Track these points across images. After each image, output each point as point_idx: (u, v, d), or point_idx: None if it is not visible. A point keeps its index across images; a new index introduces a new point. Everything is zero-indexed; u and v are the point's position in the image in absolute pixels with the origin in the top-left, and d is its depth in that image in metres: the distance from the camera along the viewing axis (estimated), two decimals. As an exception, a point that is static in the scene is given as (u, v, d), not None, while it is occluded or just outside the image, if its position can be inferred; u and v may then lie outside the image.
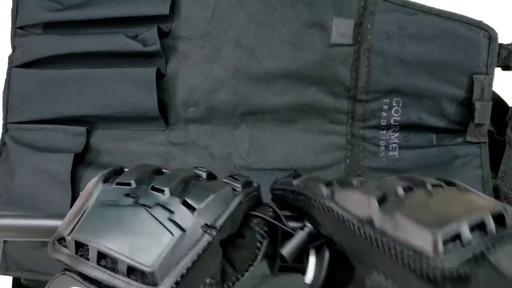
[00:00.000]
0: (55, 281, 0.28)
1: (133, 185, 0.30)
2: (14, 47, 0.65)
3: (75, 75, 0.61)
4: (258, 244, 0.32)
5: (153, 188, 0.30)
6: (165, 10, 0.59)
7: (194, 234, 0.28)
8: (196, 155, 0.61)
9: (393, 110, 0.58)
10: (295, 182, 0.33)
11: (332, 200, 0.29)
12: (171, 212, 0.29)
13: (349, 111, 0.59)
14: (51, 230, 0.32)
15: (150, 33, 0.59)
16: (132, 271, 0.27)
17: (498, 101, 0.60)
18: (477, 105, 0.54)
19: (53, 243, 0.30)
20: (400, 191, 0.27)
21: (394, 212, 0.25)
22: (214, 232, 0.29)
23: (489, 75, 0.54)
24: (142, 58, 0.60)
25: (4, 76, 0.64)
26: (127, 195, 0.30)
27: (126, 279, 0.27)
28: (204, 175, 0.34)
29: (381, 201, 0.27)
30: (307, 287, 0.32)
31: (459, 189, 0.28)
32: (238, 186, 0.32)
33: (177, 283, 0.27)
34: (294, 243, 0.31)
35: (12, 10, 0.64)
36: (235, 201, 0.31)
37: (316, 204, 0.30)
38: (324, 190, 0.30)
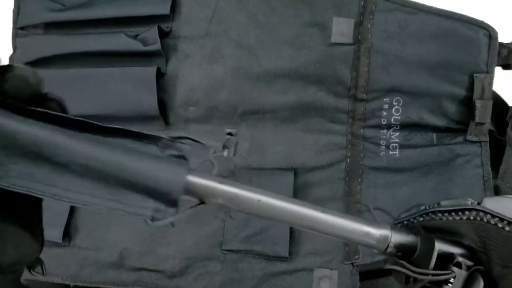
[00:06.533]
0: None
1: None
2: (15, 47, 0.65)
3: (76, 75, 0.61)
4: None
5: None
6: (165, 10, 0.59)
7: None
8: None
9: (394, 109, 0.58)
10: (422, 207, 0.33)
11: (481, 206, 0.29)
12: None
13: (350, 111, 0.59)
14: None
15: (151, 33, 0.60)
16: None
17: (498, 101, 0.59)
18: (478, 104, 0.54)
19: None
20: None
21: None
22: None
23: (490, 73, 0.54)
24: (143, 58, 0.61)
25: (5, 76, 0.65)
26: None
27: None
28: None
29: None
30: None
31: None
32: None
33: None
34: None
35: (13, 10, 0.65)
36: None
37: (460, 215, 0.29)
38: (470, 201, 0.30)
